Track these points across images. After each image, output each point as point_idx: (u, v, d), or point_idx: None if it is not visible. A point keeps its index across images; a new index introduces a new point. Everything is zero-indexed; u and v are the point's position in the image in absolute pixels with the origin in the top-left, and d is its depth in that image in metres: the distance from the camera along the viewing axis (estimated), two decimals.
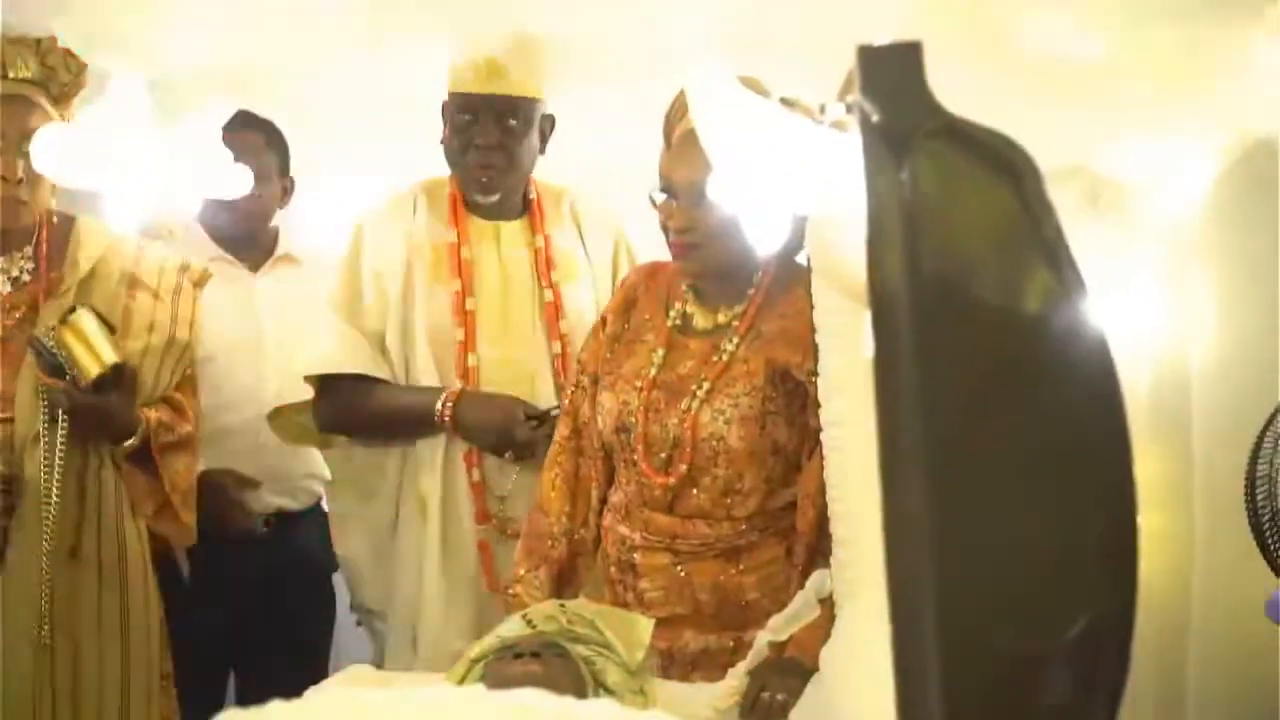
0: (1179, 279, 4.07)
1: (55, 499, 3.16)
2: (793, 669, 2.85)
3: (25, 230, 3.30)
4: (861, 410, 2.79)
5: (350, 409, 3.58)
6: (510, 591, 3.17)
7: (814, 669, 2.82)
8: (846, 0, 2.44)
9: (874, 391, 1.94)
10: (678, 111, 2.97)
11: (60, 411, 3.20)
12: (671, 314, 3.12)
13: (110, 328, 3.23)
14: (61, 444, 3.20)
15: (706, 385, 3.02)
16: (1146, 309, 3.98)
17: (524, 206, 3.64)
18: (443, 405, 3.44)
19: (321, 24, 3.26)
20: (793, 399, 2.97)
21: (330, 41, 3.42)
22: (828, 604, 2.88)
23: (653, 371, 3.07)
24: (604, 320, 3.24)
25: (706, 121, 2.15)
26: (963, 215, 1.85)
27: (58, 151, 2.75)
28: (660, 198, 3.01)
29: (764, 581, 3.03)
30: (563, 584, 3.16)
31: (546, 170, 3.67)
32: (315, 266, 3.97)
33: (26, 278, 3.31)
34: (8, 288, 3.30)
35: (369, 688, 2.54)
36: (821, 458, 2.92)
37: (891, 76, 1.82)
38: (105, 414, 3.26)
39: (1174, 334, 4.05)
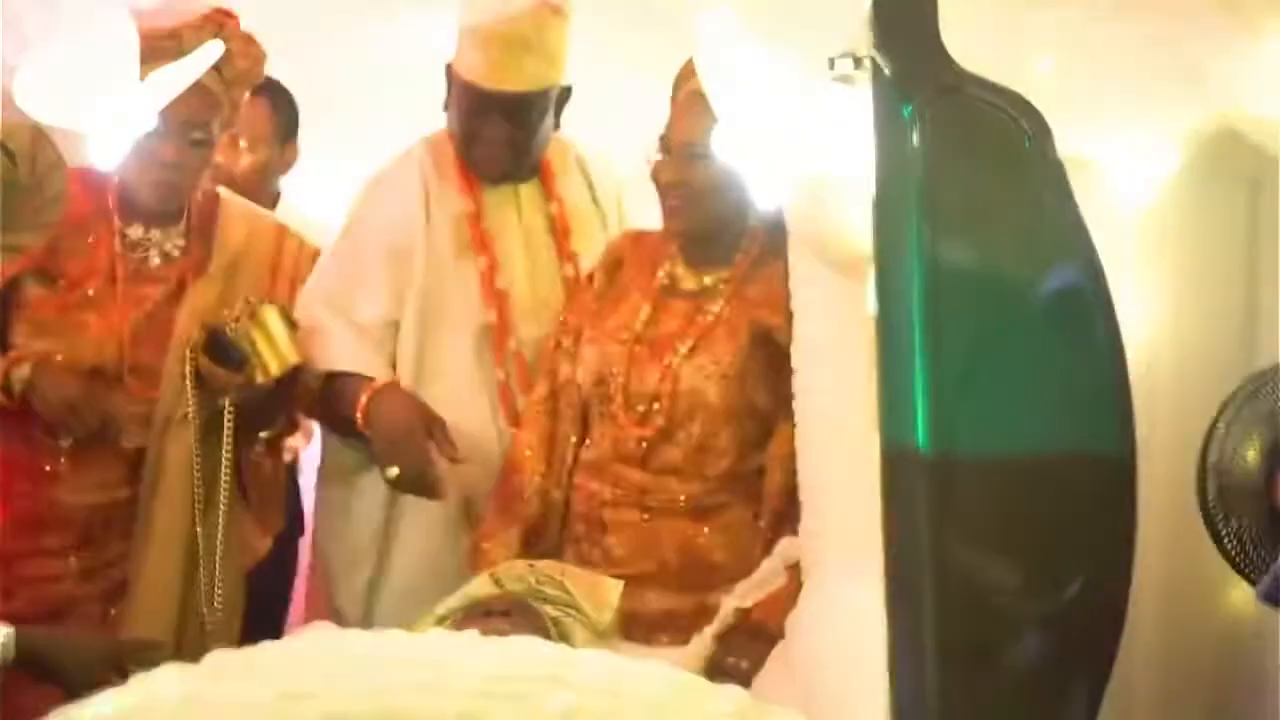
0: (1134, 262, 4.11)
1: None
2: (758, 635, 2.85)
3: (178, 208, 3.25)
4: (835, 378, 2.80)
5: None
6: (478, 549, 3.13)
7: (779, 636, 2.83)
8: None
9: (876, 353, 1.94)
10: (686, 72, 2.96)
11: (227, 402, 3.14)
12: (659, 275, 3.12)
13: (293, 324, 3.16)
14: (228, 437, 3.15)
15: (690, 342, 3.02)
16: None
17: (535, 165, 3.41)
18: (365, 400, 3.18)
19: None
20: (774, 362, 2.97)
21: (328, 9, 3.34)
22: (794, 571, 2.88)
23: (638, 326, 3.07)
24: (590, 277, 3.23)
25: (712, 72, 2.14)
26: (973, 175, 1.85)
27: (40, 89, 2.67)
28: (656, 157, 3.01)
29: (731, 544, 3.02)
30: (532, 544, 3.13)
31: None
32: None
33: (176, 254, 3.24)
34: (158, 261, 3.23)
35: (358, 631, 2.52)
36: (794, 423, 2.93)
37: (905, 31, 1.82)
38: (272, 410, 3.22)
39: (1131, 318, 4.08)
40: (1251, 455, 3.66)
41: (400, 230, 3.30)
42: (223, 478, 3.16)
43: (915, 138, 1.81)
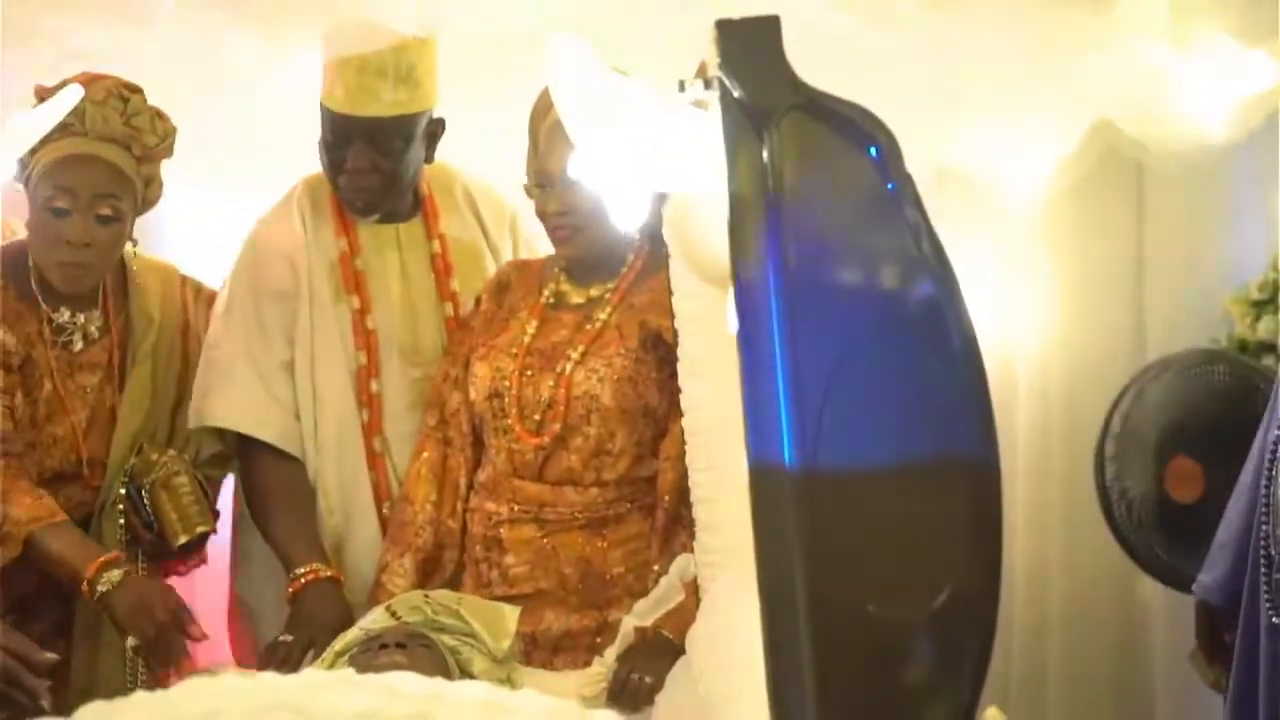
0: (1024, 262, 4.16)
1: None
2: (660, 651, 2.87)
3: (91, 289, 3.20)
4: (721, 394, 2.81)
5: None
6: (375, 581, 3.13)
7: (681, 651, 2.84)
8: None
9: (739, 370, 1.96)
10: (543, 107, 2.98)
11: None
12: (545, 293, 3.16)
13: (205, 491, 3.21)
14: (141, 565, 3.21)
15: (581, 349, 3.07)
16: (991, 294, 4.06)
17: (416, 204, 3.38)
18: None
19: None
20: (664, 364, 3.01)
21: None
22: (692, 587, 2.89)
23: (526, 340, 3.10)
24: (478, 301, 3.25)
25: (566, 98, 2.15)
26: (823, 190, 1.87)
27: None
28: (535, 190, 3.05)
29: (629, 556, 3.06)
30: (428, 574, 3.12)
31: None
32: None
33: (97, 334, 3.21)
34: (81, 345, 3.19)
35: (234, 675, 2.51)
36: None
37: (750, 51, 1.83)
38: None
39: (1019, 318, 4.13)
40: (1145, 446, 3.72)
41: (282, 274, 3.28)
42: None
43: (765, 155, 1.82)
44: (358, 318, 3.28)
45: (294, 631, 3.06)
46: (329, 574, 3.14)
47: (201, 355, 3.29)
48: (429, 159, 3.31)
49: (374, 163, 3.20)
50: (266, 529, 3.26)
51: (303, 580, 3.12)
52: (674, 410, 2.99)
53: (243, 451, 3.29)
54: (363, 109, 3.16)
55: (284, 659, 2.99)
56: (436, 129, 3.28)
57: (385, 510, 3.25)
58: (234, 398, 3.24)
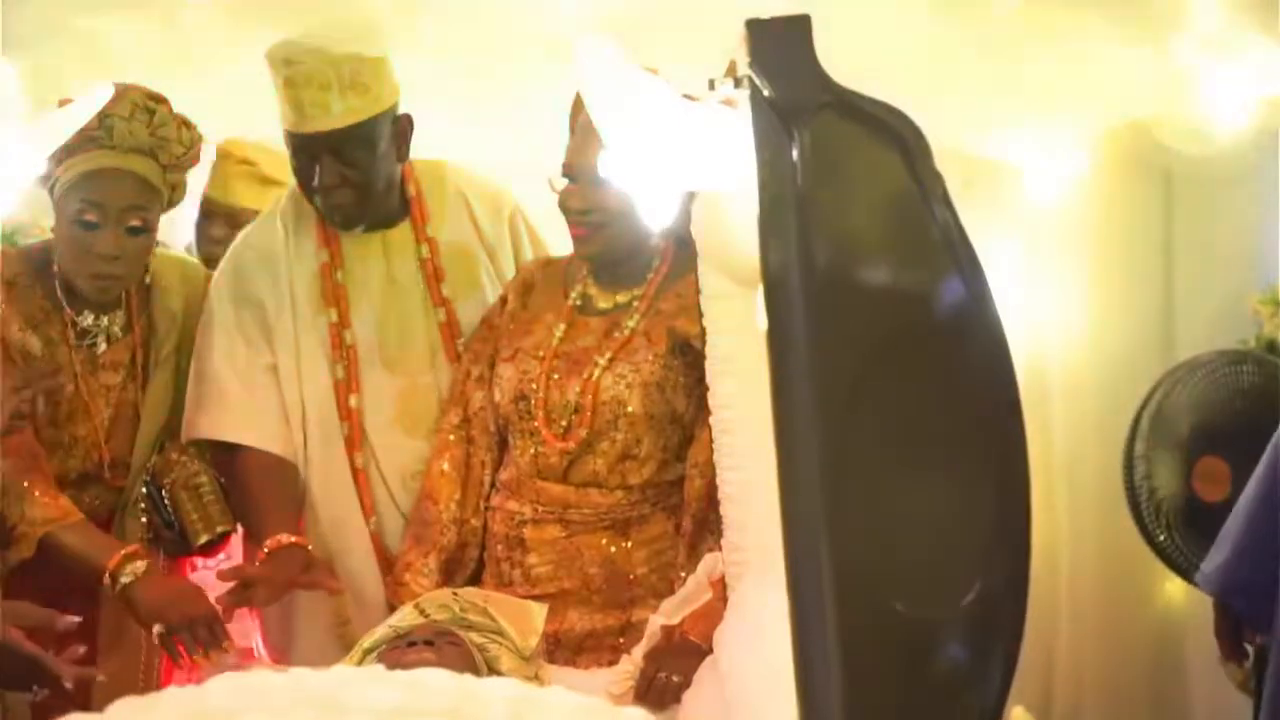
0: (1053, 262, 4.15)
1: None
2: (688, 650, 2.87)
3: (118, 297, 3.22)
4: (750, 393, 2.81)
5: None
6: (399, 580, 3.13)
7: (708, 650, 2.84)
8: None
9: (768, 367, 1.96)
10: (582, 99, 2.96)
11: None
12: (572, 295, 3.15)
13: (225, 492, 3.23)
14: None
15: (609, 354, 3.06)
16: (1021, 294, 4.06)
17: (404, 206, 3.33)
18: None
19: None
20: (692, 370, 3.00)
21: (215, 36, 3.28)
22: (719, 585, 2.89)
23: (554, 343, 3.10)
24: (504, 299, 3.24)
25: (595, 97, 2.16)
26: (853, 189, 1.87)
27: None
28: (561, 182, 3.03)
29: (653, 557, 3.06)
30: (451, 572, 3.13)
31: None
32: None
33: (121, 334, 3.23)
34: (104, 346, 3.21)
35: (263, 671, 2.52)
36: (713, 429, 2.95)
37: (781, 50, 1.84)
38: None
39: (1048, 317, 4.13)
40: (1173, 446, 3.72)
41: (262, 285, 3.27)
42: None
43: (794, 154, 1.83)
44: (335, 331, 3.26)
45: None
46: (292, 540, 3.10)
47: (190, 368, 3.28)
48: (402, 158, 3.26)
49: (342, 176, 3.16)
50: (245, 519, 3.25)
51: (266, 552, 3.09)
52: (701, 416, 2.99)
53: (230, 454, 3.26)
54: (315, 125, 3.12)
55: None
56: (404, 126, 3.22)
57: (372, 525, 3.24)
58: (219, 410, 3.24)
